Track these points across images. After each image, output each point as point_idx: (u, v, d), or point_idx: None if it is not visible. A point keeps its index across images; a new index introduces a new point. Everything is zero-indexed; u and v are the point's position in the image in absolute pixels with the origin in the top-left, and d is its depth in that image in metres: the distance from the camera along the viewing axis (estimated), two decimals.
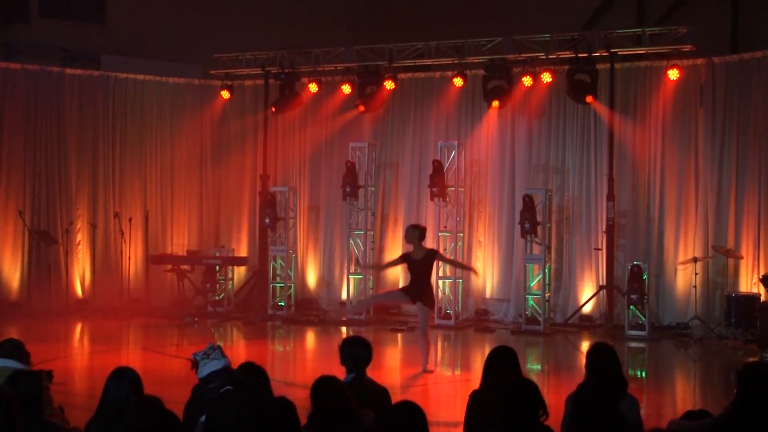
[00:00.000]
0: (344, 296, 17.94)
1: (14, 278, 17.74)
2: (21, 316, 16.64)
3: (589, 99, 16.07)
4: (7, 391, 5.41)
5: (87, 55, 19.18)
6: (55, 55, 19.00)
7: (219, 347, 6.80)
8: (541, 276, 16.18)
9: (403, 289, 13.13)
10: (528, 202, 15.91)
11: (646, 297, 15.32)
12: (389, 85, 17.50)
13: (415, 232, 12.46)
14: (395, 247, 18.20)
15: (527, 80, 16.55)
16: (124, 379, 5.84)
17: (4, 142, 17.77)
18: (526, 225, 15.89)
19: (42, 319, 16.20)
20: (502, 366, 6.23)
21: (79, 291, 18.28)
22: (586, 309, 16.55)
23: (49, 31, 19.10)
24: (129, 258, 18.18)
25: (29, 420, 5.40)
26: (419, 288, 12.32)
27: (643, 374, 13.48)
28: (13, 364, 6.58)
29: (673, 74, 15.79)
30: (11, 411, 4.81)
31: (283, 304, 17.84)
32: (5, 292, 17.62)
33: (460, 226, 17.05)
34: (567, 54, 16.32)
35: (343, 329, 16.57)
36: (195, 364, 6.77)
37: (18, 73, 17.94)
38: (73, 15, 19.68)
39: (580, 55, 16.06)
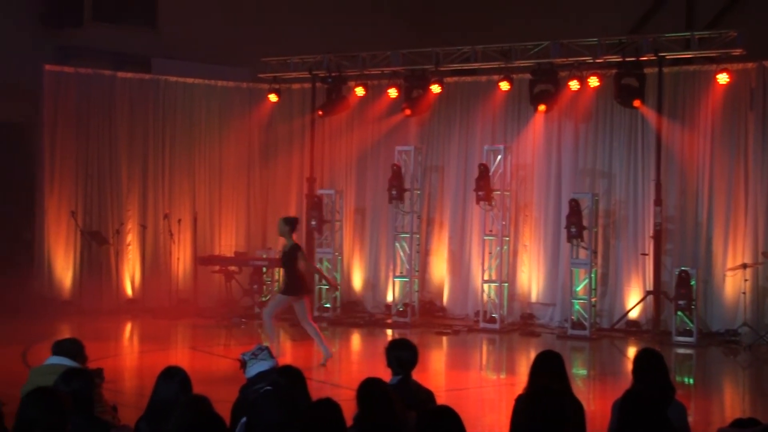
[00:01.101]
0: (389, 299, 17.92)
1: (67, 277, 17.94)
2: (73, 314, 16.83)
3: (636, 103, 15.88)
4: (60, 388, 5.48)
5: (138, 58, 19.36)
6: (107, 58, 19.20)
7: (267, 348, 6.84)
8: (587, 281, 16.03)
9: (280, 290, 13.37)
10: (574, 206, 15.78)
11: (693, 303, 15.10)
12: (435, 88, 17.45)
13: (286, 226, 12.81)
14: (440, 250, 18.17)
15: (574, 84, 16.42)
16: (174, 379, 5.89)
17: (58, 144, 17.97)
18: (573, 229, 15.76)
19: (93, 317, 16.37)
20: (549, 370, 6.18)
21: (129, 290, 18.44)
22: (633, 314, 16.36)
23: (102, 35, 19.30)
24: (178, 259, 18.32)
25: (80, 417, 5.46)
26: (286, 281, 12.75)
27: (691, 381, 13.31)
28: (67, 362, 6.67)
29: (723, 78, 15.56)
30: (63, 407, 4.86)
31: (328, 305, 17.86)
32: (58, 290, 17.83)
33: (506, 230, 16.94)
34: (614, 58, 16.16)
35: (389, 332, 16.56)
36: (243, 364, 6.82)
37: (71, 77, 18.15)
38: (125, 19, 19.87)
39: (627, 59, 15.89)
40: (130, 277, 18.50)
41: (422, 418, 4.93)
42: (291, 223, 12.91)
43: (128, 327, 16.75)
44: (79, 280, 17.92)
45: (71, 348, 6.96)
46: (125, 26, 19.79)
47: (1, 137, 18.60)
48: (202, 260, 18.29)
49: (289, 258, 12.70)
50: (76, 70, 18.27)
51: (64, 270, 17.94)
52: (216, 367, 12.98)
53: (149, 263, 18.58)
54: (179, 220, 18.40)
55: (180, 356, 14.31)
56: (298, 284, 12.73)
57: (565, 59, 16.62)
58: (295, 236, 12.98)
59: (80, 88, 18.16)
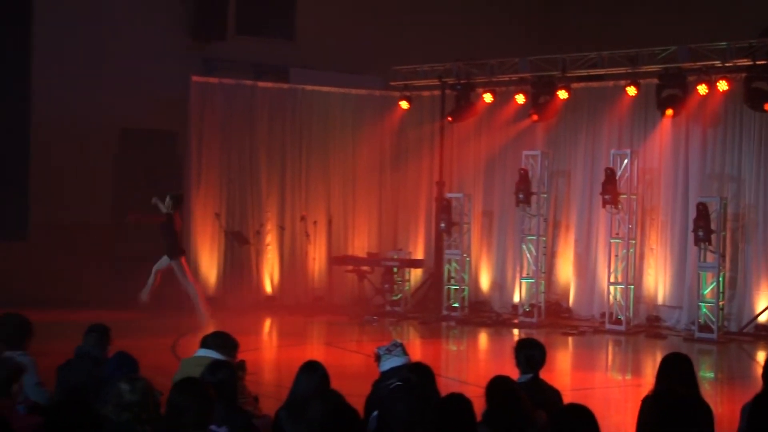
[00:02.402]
0: (516, 299, 17.79)
1: (211, 275, 18.41)
2: (217, 310, 17.10)
3: (767, 107, 15.34)
4: (207, 379, 5.65)
5: (277, 69, 19.73)
6: (248, 69, 19.64)
7: (401, 345, 6.88)
8: (714, 284, 15.55)
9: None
10: (702, 210, 15.35)
11: None
12: (562, 94, 17.24)
13: (171, 200, 14.60)
14: (567, 252, 17.93)
15: (702, 89, 15.94)
16: (315, 373, 6.02)
17: (203, 150, 18.47)
18: (700, 233, 15.33)
19: (235, 313, 16.73)
20: (677, 373, 6.04)
21: (268, 288, 18.80)
22: (762, 318, 15.77)
23: (244, 47, 19.78)
24: (313, 259, 18.61)
25: (224, 406, 5.61)
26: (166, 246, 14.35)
27: None
28: (214, 354, 6.86)
29: None
30: (209, 397, 5.00)
31: (457, 305, 17.85)
32: (203, 287, 18.30)
33: (632, 233, 16.60)
34: (744, 62, 15.64)
35: (515, 331, 16.45)
36: (378, 358, 6.89)
37: (216, 87, 18.64)
38: (265, 32, 20.33)
39: (758, 62, 15.38)
40: (269, 275, 18.86)
41: (559, 415, 4.89)
42: (175, 198, 14.62)
43: (267, 322, 17.09)
44: (223, 277, 18.39)
45: (218, 341, 7.16)
46: (266, 39, 20.24)
47: (154, 144, 19.32)
48: (336, 260, 18.53)
49: (167, 225, 14.29)
50: (220, 80, 18.74)
51: (209, 268, 18.42)
52: (349, 362, 13.12)
53: (287, 262, 18.92)
54: (315, 222, 18.69)
55: (315, 351, 14.53)
56: (170, 244, 14.27)
57: (693, 64, 16.17)
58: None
59: (224, 98, 18.61)
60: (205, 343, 7.19)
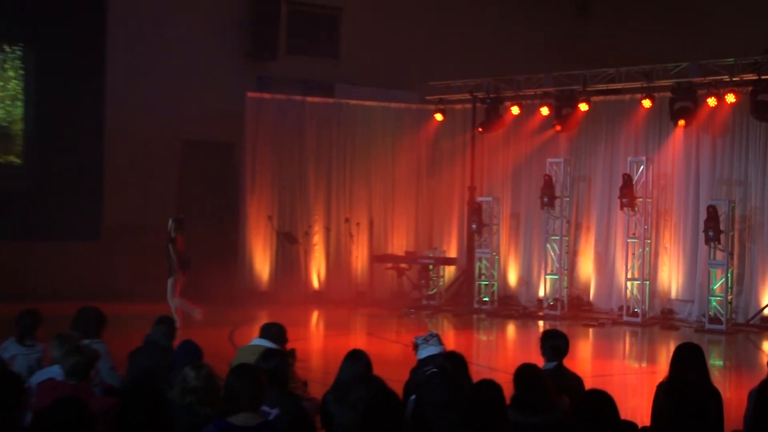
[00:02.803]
0: (541, 294, 17.70)
1: (264, 272, 18.52)
2: (269, 303, 17.36)
3: None
4: (260, 365, 5.69)
5: (323, 85, 19.80)
6: (297, 85, 19.72)
7: (438, 335, 6.88)
8: (723, 280, 15.39)
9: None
10: (712, 212, 15.20)
11: None
12: (583, 107, 17.15)
13: (173, 224, 14.12)
14: (587, 251, 17.81)
15: (712, 101, 15.79)
16: (359, 360, 6.03)
17: (257, 159, 18.59)
18: (710, 233, 15.18)
19: (286, 306, 16.80)
20: (689, 361, 5.99)
21: (315, 283, 18.87)
22: (767, 311, 15.60)
23: (294, 66, 19.89)
24: (356, 257, 18.66)
25: (276, 390, 5.63)
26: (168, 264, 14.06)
27: None
28: (267, 343, 6.92)
29: None
30: (261, 381, 5.04)
31: (487, 299, 17.82)
32: (257, 283, 18.44)
33: (648, 233, 16.48)
34: (750, 76, 15.46)
35: (540, 323, 16.38)
36: (415, 347, 6.89)
37: (269, 102, 18.76)
38: (313, 51, 20.43)
39: (762, 77, 15.18)
40: (317, 272, 18.93)
41: (582, 399, 4.88)
42: (177, 222, 14.30)
43: (315, 315, 17.15)
44: (275, 274, 18.49)
45: (272, 332, 7.22)
46: (313, 58, 20.33)
47: (214, 154, 19.48)
48: (377, 258, 18.56)
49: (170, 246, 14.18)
50: (272, 96, 18.86)
51: (262, 265, 18.54)
52: (389, 351, 13.13)
53: (332, 260, 18.97)
54: (358, 224, 18.73)
55: (358, 341, 14.55)
56: (171, 263, 14.10)
57: (703, 78, 16.01)
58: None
59: (276, 112, 18.72)
60: (260, 333, 7.25)
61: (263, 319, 14.79)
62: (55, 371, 6.06)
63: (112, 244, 18.13)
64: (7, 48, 18.09)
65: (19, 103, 18.25)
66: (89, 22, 18.41)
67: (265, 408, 5.11)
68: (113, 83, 18.46)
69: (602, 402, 4.74)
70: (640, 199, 16.34)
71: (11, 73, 18.14)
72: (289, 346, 7.36)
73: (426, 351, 6.79)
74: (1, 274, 16.35)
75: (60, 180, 17.88)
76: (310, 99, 19.11)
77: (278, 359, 5.99)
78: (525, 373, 5.53)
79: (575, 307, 17.42)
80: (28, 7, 17.81)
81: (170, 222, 14.30)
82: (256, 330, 7.62)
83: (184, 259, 14.19)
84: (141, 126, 18.32)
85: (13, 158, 18.33)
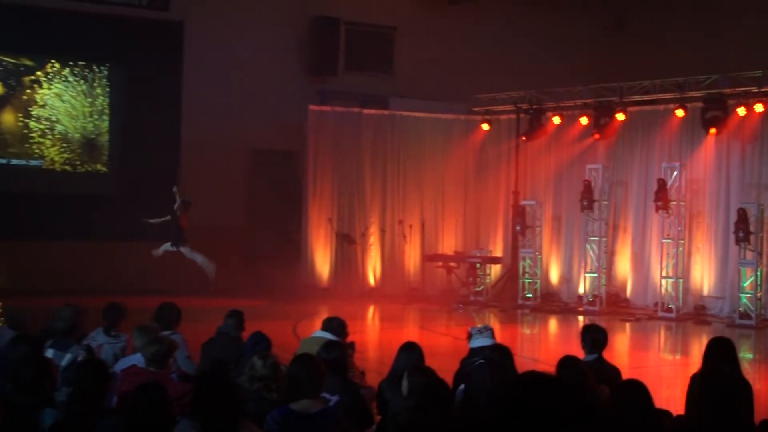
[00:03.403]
0: (581, 291, 17.49)
1: (325, 270, 18.61)
2: (329, 298, 17.44)
3: None
4: (321, 356, 5.71)
5: (378, 98, 19.85)
6: (355, 99, 19.83)
7: (492, 329, 6.81)
8: (753, 278, 15.06)
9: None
10: (742, 214, 14.89)
11: None
12: (620, 116, 16.93)
13: (182, 204, 14.57)
14: (624, 250, 17.55)
15: (741, 110, 15.47)
16: (413, 352, 6.03)
17: (318, 166, 18.69)
18: (740, 234, 14.88)
19: (344, 301, 16.88)
20: (721, 354, 5.88)
21: (371, 281, 18.91)
22: None
23: (351, 81, 19.98)
24: (409, 256, 18.65)
25: (336, 379, 5.65)
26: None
27: None
28: (328, 335, 6.94)
29: None
30: (321, 370, 5.05)
31: (530, 296, 17.68)
32: (318, 280, 18.53)
33: (681, 234, 16.19)
34: None
35: (580, 318, 16.19)
36: (470, 336, 6.84)
37: (328, 114, 18.86)
38: (369, 67, 20.49)
39: None
40: (373, 270, 18.97)
41: (618, 388, 4.82)
42: (185, 203, 14.67)
43: (371, 309, 17.17)
44: (334, 272, 18.55)
45: (334, 325, 7.24)
46: (369, 73, 20.40)
47: (279, 162, 19.65)
48: (428, 257, 18.54)
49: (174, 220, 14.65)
50: (332, 109, 18.97)
51: (322, 264, 18.63)
52: (439, 343, 13.06)
53: (387, 259, 18.99)
54: (410, 226, 18.72)
55: (411, 334, 14.49)
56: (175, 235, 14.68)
57: (732, 89, 15.71)
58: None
59: (335, 123, 18.82)
60: (323, 326, 7.28)
61: (324, 313, 14.87)
62: (137, 359, 6.18)
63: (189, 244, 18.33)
64: (95, 68, 18.49)
65: (105, 117, 18.64)
66: (168, 44, 18.73)
67: (326, 395, 5.13)
68: (188, 98, 18.75)
69: (638, 391, 4.67)
70: (674, 202, 16.07)
71: (99, 90, 18.54)
72: (349, 338, 7.37)
73: (478, 341, 6.74)
74: (90, 270, 16.74)
75: (141, 186, 18.19)
76: (366, 111, 19.18)
77: (339, 350, 6.00)
78: (566, 364, 5.47)
79: (613, 303, 17.19)
80: (115, 30, 18.19)
81: (180, 202, 14.68)
82: (317, 323, 7.66)
83: (184, 236, 14.74)
84: (213, 137, 18.56)
85: (99, 167, 18.72)
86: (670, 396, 9.29)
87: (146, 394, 4.62)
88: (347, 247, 18.48)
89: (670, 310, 15.90)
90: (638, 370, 10.93)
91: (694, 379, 5.73)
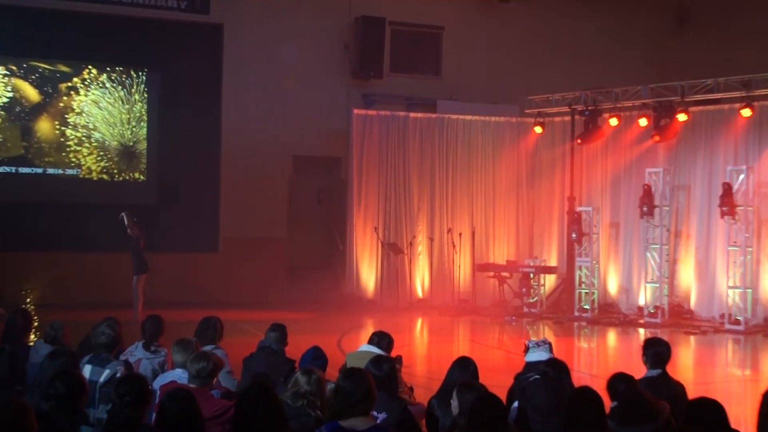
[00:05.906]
0: (641, 302, 17.25)
1: (370, 281, 18.62)
2: (375, 310, 17.44)
3: None
4: (371, 371, 5.66)
5: (426, 101, 19.86)
6: (401, 102, 19.88)
7: (550, 343, 6.76)
8: None
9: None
10: None
11: None
12: (682, 117, 16.66)
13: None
14: (687, 259, 17.26)
15: None
16: (467, 367, 6.00)
17: (363, 172, 18.73)
18: None
19: (391, 313, 16.88)
20: None
21: (419, 292, 18.87)
22: None
23: (397, 84, 20.00)
24: (459, 266, 18.56)
25: (386, 394, 5.63)
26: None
27: None
28: (374, 349, 6.93)
29: None
30: (371, 386, 4.99)
31: (587, 307, 17.47)
32: (364, 291, 18.54)
33: (749, 241, 15.86)
34: None
35: (641, 331, 15.95)
36: (527, 349, 6.80)
37: (374, 118, 18.91)
38: (415, 70, 20.52)
39: None
40: (420, 280, 18.93)
41: (692, 406, 4.73)
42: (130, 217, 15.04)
43: (419, 322, 17.13)
44: (380, 282, 18.53)
45: (379, 339, 7.23)
46: (415, 76, 20.41)
47: (323, 168, 19.76)
48: (479, 267, 18.44)
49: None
50: (378, 112, 19.01)
51: (368, 274, 18.64)
52: (490, 357, 13.01)
53: (435, 269, 18.94)
54: (460, 234, 18.65)
55: (461, 348, 14.48)
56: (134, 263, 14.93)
57: None
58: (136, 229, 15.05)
59: (381, 127, 18.85)
60: (369, 340, 7.27)
61: (370, 326, 14.91)
62: (177, 374, 6.23)
63: (230, 254, 18.56)
64: (133, 73, 18.80)
65: (143, 125, 18.94)
66: (207, 49, 18.96)
67: (374, 413, 5.11)
68: (228, 104, 18.95)
69: (713, 410, 4.59)
70: (741, 207, 15.76)
71: (137, 97, 18.85)
72: (395, 352, 7.35)
73: (535, 355, 6.69)
74: (129, 282, 16.93)
75: (180, 195, 18.43)
76: (413, 115, 19.19)
77: (389, 365, 5.98)
78: (617, 381, 5.40)
79: (676, 314, 16.92)
80: (153, 35, 18.48)
81: (128, 223, 14.97)
82: (363, 337, 7.67)
83: (144, 263, 15.06)
84: (254, 143, 18.74)
85: (138, 175, 19.01)
86: (740, 414, 9.08)
87: (175, 402, 4.70)
88: (394, 257, 18.47)
89: (737, 322, 15.59)
90: (704, 386, 10.73)
91: (766, 397, 5.59)
